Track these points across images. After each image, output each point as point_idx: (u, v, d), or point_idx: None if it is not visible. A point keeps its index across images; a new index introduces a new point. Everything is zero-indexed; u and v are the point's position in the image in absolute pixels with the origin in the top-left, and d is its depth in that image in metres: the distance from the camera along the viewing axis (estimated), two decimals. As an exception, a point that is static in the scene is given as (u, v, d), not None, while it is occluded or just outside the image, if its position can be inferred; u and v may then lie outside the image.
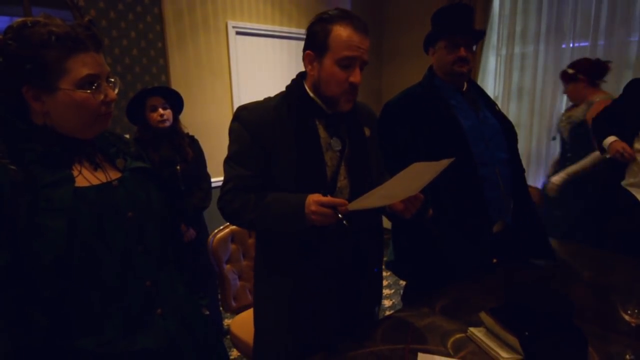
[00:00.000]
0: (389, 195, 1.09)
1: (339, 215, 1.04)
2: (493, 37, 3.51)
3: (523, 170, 1.78)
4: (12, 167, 0.76)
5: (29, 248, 0.75)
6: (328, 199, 1.06)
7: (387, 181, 1.05)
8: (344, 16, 1.14)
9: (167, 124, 2.26)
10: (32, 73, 0.79)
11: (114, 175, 0.92)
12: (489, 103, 1.77)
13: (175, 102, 2.33)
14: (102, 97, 0.84)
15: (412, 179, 1.09)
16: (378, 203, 1.10)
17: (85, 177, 0.86)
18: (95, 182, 0.87)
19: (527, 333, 1.06)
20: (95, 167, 0.90)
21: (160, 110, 2.23)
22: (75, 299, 0.82)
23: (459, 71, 1.62)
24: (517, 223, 1.72)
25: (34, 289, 0.78)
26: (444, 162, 1.12)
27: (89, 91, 0.82)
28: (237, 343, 1.85)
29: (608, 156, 2.06)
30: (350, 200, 1.06)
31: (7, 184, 0.75)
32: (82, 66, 0.81)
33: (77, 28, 0.82)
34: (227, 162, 1.22)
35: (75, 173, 0.84)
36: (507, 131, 1.73)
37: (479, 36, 1.72)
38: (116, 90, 0.90)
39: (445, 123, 1.59)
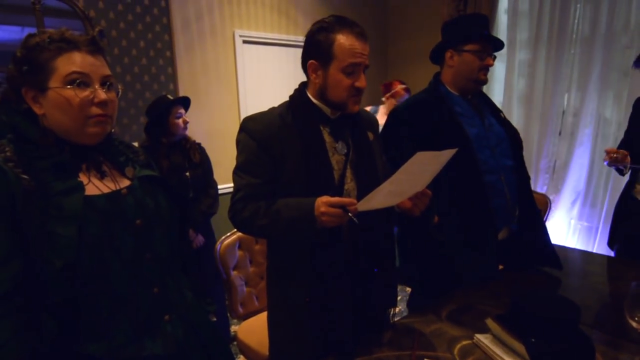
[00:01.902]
0: (397, 192, 1.10)
1: (349, 214, 1.05)
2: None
3: (528, 178, 1.77)
4: (24, 175, 0.78)
5: (40, 255, 0.77)
6: (337, 199, 1.07)
7: (393, 175, 1.05)
8: (343, 24, 1.18)
9: (187, 130, 2.41)
10: (28, 74, 0.82)
11: (123, 183, 0.93)
12: (495, 110, 1.77)
13: (186, 109, 2.44)
14: (88, 95, 0.84)
15: (418, 172, 1.10)
16: (387, 202, 1.11)
17: (95, 186, 0.88)
18: (105, 190, 0.89)
19: (533, 340, 1.06)
20: (102, 175, 0.91)
21: (185, 118, 2.38)
22: (84, 305, 0.83)
23: (483, 79, 1.63)
24: (523, 230, 1.71)
25: (45, 295, 0.79)
26: (448, 153, 1.14)
27: (73, 87, 0.83)
28: (244, 349, 1.85)
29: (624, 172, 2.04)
30: (358, 201, 1.08)
31: (20, 192, 0.77)
32: (69, 64, 0.83)
33: (73, 32, 0.85)
34: (236, 172, 1.24)
35: (85, 181, 0.86)
36: (513, 138, 1.72)
37: (500, 49, 1.70)
38: (119, 94, 0.91)
39: (451, 131, 1.60)
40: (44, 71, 0.82)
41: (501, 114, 1.78)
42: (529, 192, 1.76)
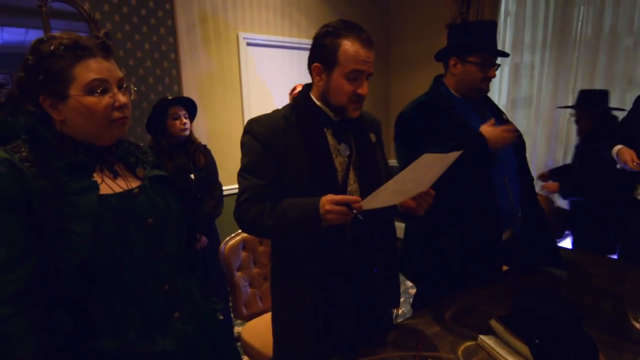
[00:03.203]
0: (401, 190, 1.11)
1: (354, 211, 1.06)
2: (500, 45, 3.52)
3: (532, 179, 1.78)
4: (41, 175, 0.80)
5: (57, 252, 0.79)
6: (342, 197, 1.08)
7: (399, 174, 1.06)
8: (350, 30, 1.18)
9: (188, 132, 2.35)
10: (45, 83, 0.83)
11: (135, 183, 0.95)
12: (497, 112, 1.78)
13: (191, 112, 2.39)
14: (109, 100, 0.86)
15: (423, 172, 1.11)
16: (391, 201, 1.12)
17: (108, 185, 0.90)
18: (117, 189, 0.91)
19: (537, 341, 1.07)
20: (115, 175, 0.93)
21: (183, 119, 2.31)
22: (98, 301, 0.85)
23: (485, 89, 1.64)
24: (526, 231, 1.72)
25: (60, 291, 0.81)
26: (454, 155, 1.15)
27: (96, 95, 0.85)
28: (248, 350, 1.86)
29: (618, 166, 2.06)
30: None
31: (36, 191, 0.79)
32: (88, 72, 0.84)
33: (85, 37, 0.86)
34: (241, 173, 1.25)
35: (98, 181, 0.88)
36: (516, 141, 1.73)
37: (504, 56, 1.70)
38: (132, 97, 0.93)
39: (459, 132, 1.59)
40: (62, 79, 0.83)
41: (504, 116, 1.79)
42: (533, 193, 1.76)
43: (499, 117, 1.76)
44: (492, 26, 1.66)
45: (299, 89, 3.03)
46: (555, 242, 1.77)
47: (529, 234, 1.72)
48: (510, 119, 3.55)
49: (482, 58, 1.58)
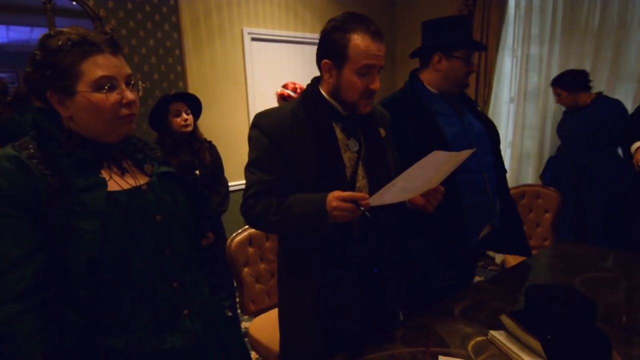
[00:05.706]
0: (409, 188, 1.09)
1: (361, 208, 1.05)
2: (508, 38, 3.48)
3: (505, 171, 1.78)
4: (49, 173, 0.80)
5: (65, 250, 0.79)
6: (349, 193, 1.07)
7: (407, 171, 1.04)
8: (358, 23, 1.15)
9: (190, 128, 2.32)
10: (53, 78, 0.82)
11: (143, 180, 0.94)
12: (472, 105, 1.77)
13: (195, 108, 2.38)
14: (117, 97, 0.85)
15: (433, 170, 1.10)
16: (399, 198, 1.10)
17: (117, 182, 0.89)
18: (125, 186, 0.90)
19: (549, 336, 1.05)
20: (123, 172, 0.93)
21: (184, 115, 2.29)
22: (107, 299, 0.85)
23: (467, 84, 1.65)
24: (502, 223, 1.73)
25: (69, 289, 0.81)
26: (465, 153, 1.13)
27: (103, 92, 0.84)
28: (256, 346, 1.87)
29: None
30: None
31: (44, 188, 0.79)
32: (95, 68, 0.83)
33: (93, 32, 0.85)
34: (248, 168, 1.24)
35: (106, 178, 0.87)
36: (491, 133, 1.72)
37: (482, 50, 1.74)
38: (140, 93, 0.92)
39: (428, 130, 1.57)
40: (69, 76, 0.82)
41: (477, 107, 1.78)
42: (506, 186, 1.78)
43: (474, 111, 1.75)
44: (470, 20, 1.69)
45: (292, 86, 3.00)
46: (524, 233, 1.83)
47: (504, 225, 1.73)
48: (518, 111, 3.53)
49: (467, 53, 1.59)
